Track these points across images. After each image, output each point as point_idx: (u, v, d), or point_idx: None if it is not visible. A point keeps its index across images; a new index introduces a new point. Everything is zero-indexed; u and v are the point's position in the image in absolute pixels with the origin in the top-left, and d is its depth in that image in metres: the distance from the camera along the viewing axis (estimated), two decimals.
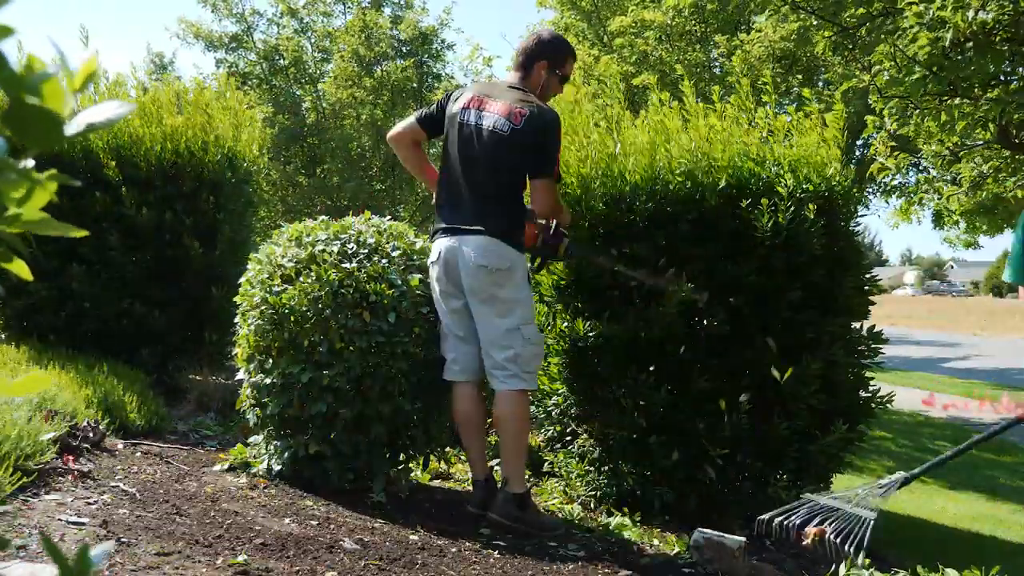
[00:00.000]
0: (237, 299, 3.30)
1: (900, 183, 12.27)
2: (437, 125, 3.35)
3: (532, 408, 4.16)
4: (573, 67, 3.39)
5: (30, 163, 0.66)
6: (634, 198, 3.50)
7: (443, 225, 3.20)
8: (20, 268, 0.74)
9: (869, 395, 3.68)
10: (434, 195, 3.34)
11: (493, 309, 3.10)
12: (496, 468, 3.46)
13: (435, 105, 3.39)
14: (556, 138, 3.18)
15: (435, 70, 16.48)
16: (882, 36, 6.19)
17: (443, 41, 16.35)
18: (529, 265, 3.26)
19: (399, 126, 3.47)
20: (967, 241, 12.28)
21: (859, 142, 14.26)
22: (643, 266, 3.40)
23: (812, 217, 3.33)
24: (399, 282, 3.08)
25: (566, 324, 3.79)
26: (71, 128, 0.65)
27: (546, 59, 3.27)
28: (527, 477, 3.85)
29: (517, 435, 3.17)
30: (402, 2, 17.01)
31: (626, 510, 3.46)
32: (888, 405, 3.76)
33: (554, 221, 3.27)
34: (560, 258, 3.37)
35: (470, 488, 3.64)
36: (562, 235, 3.27)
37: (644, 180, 3.53)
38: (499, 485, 3.18)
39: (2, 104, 0.63)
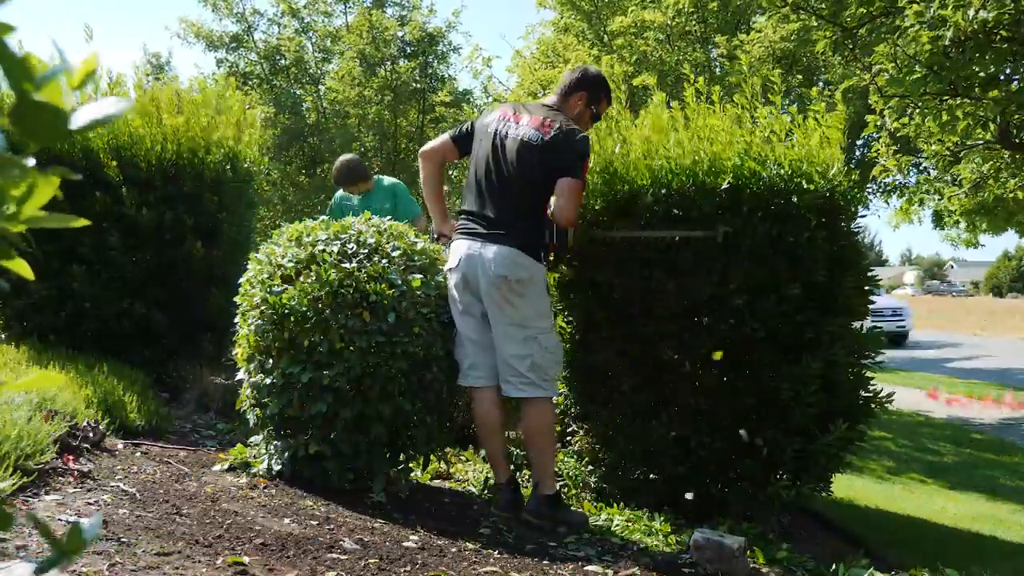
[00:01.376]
0: (237, 299, 3.30)
1: (900, 183, 12.26)
2: (469, 143, 3.40)
3: None
4: (606, 109, 3.43)
5: (31, 161, 0.66)
6: (637, 198, 3.51)
7: (465, 229, 3.25)
8: (21, 267, 0.73)
9: (869, 395, 3.68)
10: (461, 199, 3.39)
11: (511, 317, 3.16)
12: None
13: (468, 124, 3.44)
14: (584, 149, 3.20)
15: (440, 72, 16.44)
16: (882, 36, 6.19)
17: (450, 43, 16.31)
18: (544, 264, 3.26)
19: (433, 142, 3.53)
20: (968, 240, 12.25)
21: (859, 142, 14.26)
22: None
23: (812, 217, 3.32)
24: (399, 282, 3.07)
25: (566, 322, 3.79)
26: (74, 123, 0.65)
27: (585, 92, 3.33)
28: (527, 476, 3.85)
29: (545, 443, 3.25)
30: (407, 3, 16.97)
31: (626, 510, 3.46)
32: (888, 405, 3.75)
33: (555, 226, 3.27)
34: (571, 250, 3.41)
35: (471, 488, 3.64)
36: (565, 232, 3.29)
37: (646, 180, 3.53)
38: (531, 488, 3.27)
39: (4, 104, 0.63)
